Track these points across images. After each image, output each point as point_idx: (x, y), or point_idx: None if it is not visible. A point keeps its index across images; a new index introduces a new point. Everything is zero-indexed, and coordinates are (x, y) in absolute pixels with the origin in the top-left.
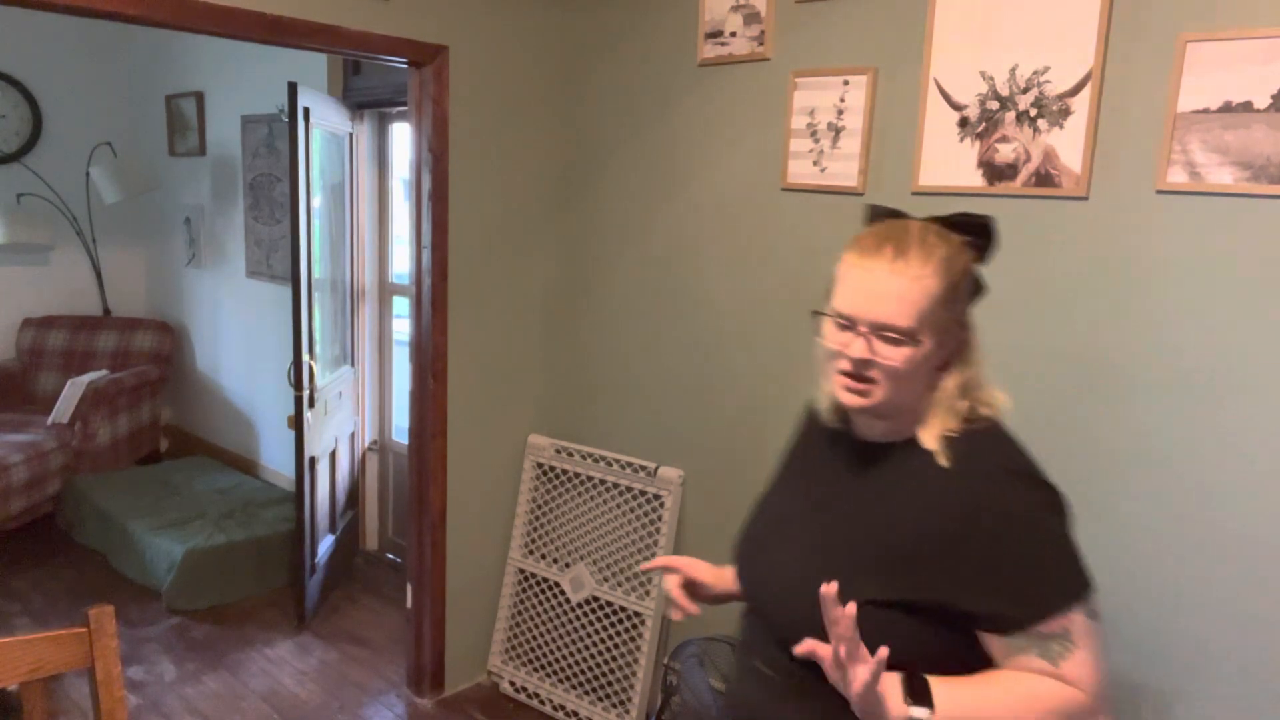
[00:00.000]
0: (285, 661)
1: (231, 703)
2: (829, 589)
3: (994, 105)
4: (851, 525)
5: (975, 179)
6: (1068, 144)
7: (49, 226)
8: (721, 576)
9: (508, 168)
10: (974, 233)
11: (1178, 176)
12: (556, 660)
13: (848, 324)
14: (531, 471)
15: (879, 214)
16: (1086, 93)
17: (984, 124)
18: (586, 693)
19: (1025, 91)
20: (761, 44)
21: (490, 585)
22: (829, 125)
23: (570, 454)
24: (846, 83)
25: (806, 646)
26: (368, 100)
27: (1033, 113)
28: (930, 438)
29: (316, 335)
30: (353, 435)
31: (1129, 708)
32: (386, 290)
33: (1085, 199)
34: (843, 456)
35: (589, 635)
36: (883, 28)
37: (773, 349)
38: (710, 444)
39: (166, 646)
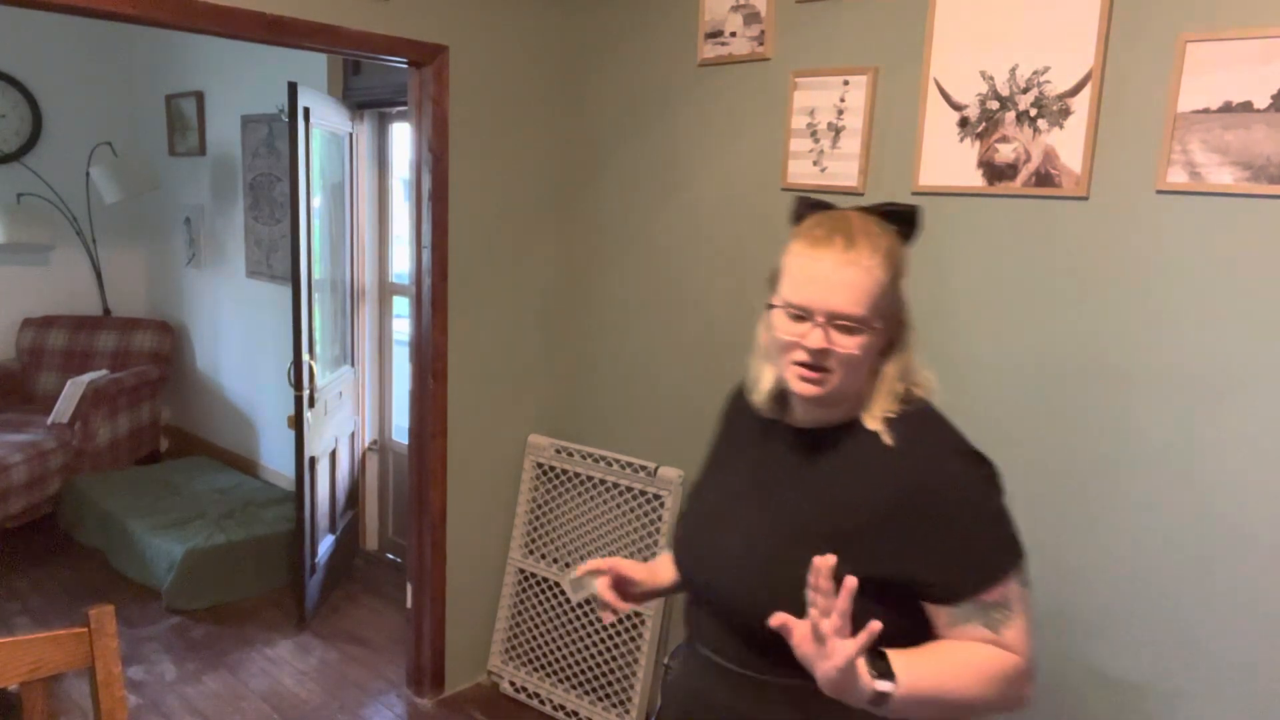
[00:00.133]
0: (285, 661)
1: (231, 703)
2: (825, 560)
3: (994, 105)
4: (800, 508)
5: (975, 179)
6: (1068, 144)
7: (49, 226)
8: (652, 571)
9: (508, 168)
10: (902, 221)
11: (1178, 176)
12: (556, 660)
13: (803, 314)
14: (531, 471)
15: (808, 205)
16: (1086, 93)
17: (984, 124)
18: (586, 693)
19: (1025, 91)
20: (761, 44)
21: (490, 585)
22: (829, 125)
23: (570, 454)
24: (846, 83)
25: (779, 619)
26: (368, 100)
27: (1033, 113)
28: (873, 420)
29: (316, 335)
30: (353, 435)
31: (1130, 708)
32: (386, 290)
33: (1085, 199)
34: (780, 443)
35: (589, 635)
36: (883, 28)
37: None
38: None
39: (166, 646)
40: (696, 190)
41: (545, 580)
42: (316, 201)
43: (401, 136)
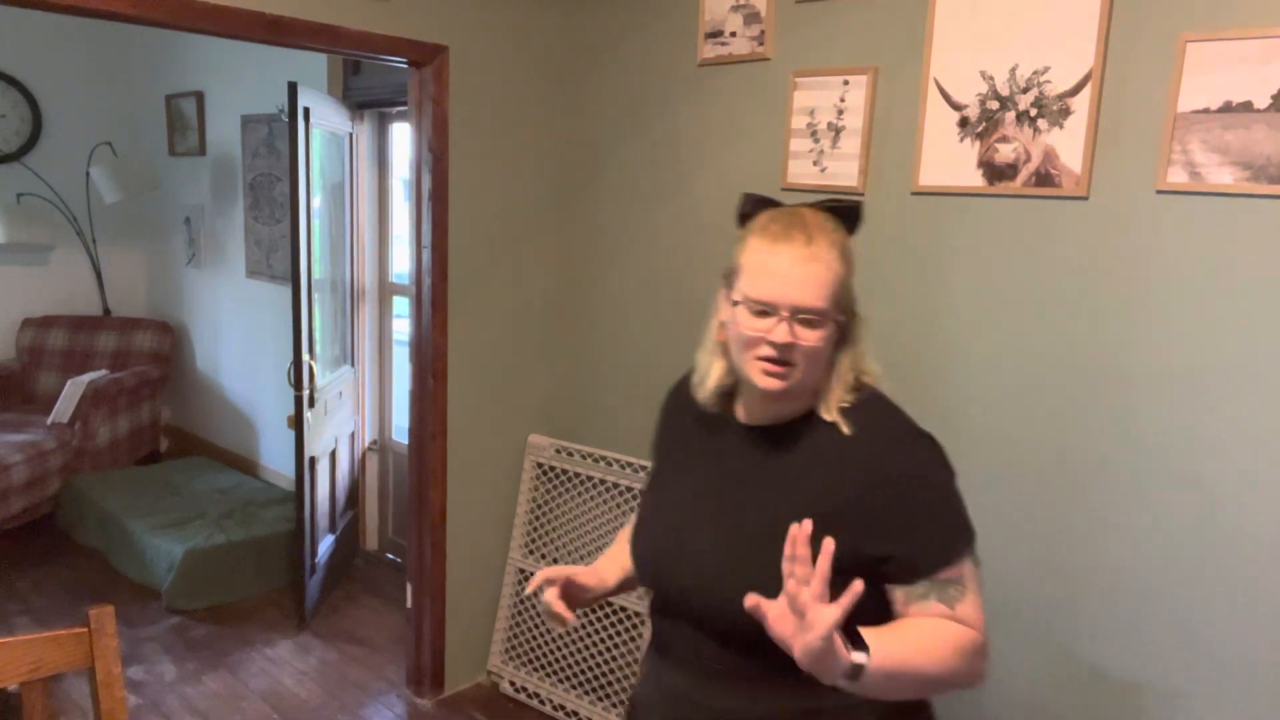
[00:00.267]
0: (285, 661)
1: (231, 703)
2: (802, 529)
3: (994, 105)
4: (767, 506)
5: (975, 179)
6: (1068, 144)
7: (49, 226)
8: (598, 575)
9: (508, 168)
10: (846, 216)
11: (1178, 176)
12: (556, 660)
13: (767, 310)
14: (531, 471)
15: (755, 203)
16: (1086, 93)
17: (984, 124)
18: (586, 693)
19: (1025, 91)
20: (761, 44)
21: (490, 585)
22: (829, 125)
23: (570, 454)
24: (846, 83)
25: (752, 600)
26: (368, 100)
27: (1033, 113)
28: (830, 411)
29: (316, 335)
30: (353, 435)
31: (1130, 708)
32: (386, 290)
33: (1085, 199)
34: (733, 441)
35: (589, 635)
36: (883, 28)
37: None
38: None
39: (166, 646)
40: (696, 190)
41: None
42: (316, 201)
43: (401, 136)
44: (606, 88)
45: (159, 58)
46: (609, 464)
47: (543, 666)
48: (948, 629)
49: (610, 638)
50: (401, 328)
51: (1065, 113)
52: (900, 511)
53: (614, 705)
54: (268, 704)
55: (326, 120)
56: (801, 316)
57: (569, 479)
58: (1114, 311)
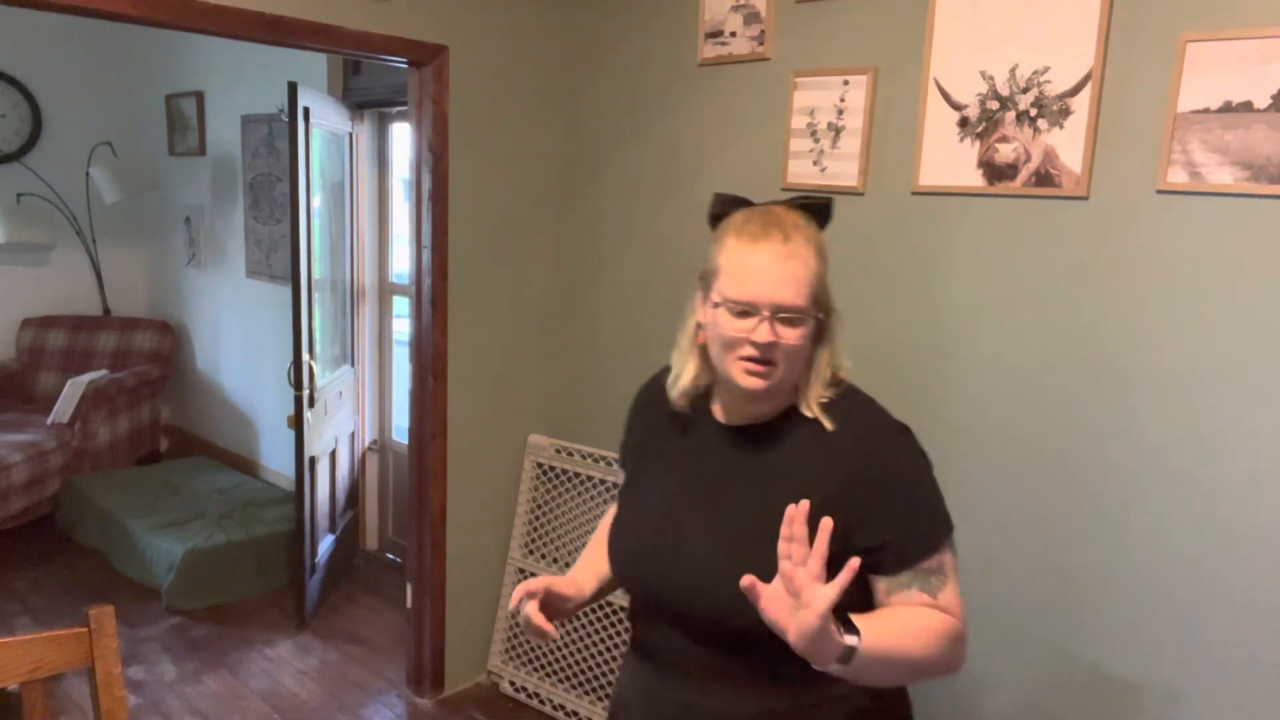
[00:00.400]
0: (285, 661)
1: (231, 703)
2: (799, 508)
3: (994, 105)
4: (752, 505)
5: (975, 179)
6: (1068, 144)
7: (49, 226)
8: (576, 584)
9: (508, 168)
10: (818, 212)
11: (1178, 176)
12: (556, 660)
13: (747, 310)
14: (531, 471)
15: (727, 202)
16: (1086, 93)
17: (984, 124)
18: (586, 693)
19: (1025, 91)
20: (761, 44)
21: (490, 585)
22: (829, 125)
23: (570, 454)
24: (846, 83)
25: (749, 580)
26: (368, 100)
27: (1033, 113)
28: (810, 407)
29: (316, 335)
30: (353, 435)
31: (1130, 708)
32: (386, 290)
33: (1085, 199)
34: (710, 441)
35: (589, 635)
36: (883, 28)
37: None
38: None
39: (166, 646)
40: (697, 190)
41: None
42: (316, 201)
43: (401, 136)
44: (606, 88)
45: (159, 58)
46: (609, 464)
47: (543, 666)
48: (931, 617)
49: (610, 638)
50: (401, 328)
51: (1065, 113)
52: (887, 503)
53: None
54: (268, 704)
55: (326, 120)
56: (782, 315)
57: (569, 479)
58: (1114, 311)
